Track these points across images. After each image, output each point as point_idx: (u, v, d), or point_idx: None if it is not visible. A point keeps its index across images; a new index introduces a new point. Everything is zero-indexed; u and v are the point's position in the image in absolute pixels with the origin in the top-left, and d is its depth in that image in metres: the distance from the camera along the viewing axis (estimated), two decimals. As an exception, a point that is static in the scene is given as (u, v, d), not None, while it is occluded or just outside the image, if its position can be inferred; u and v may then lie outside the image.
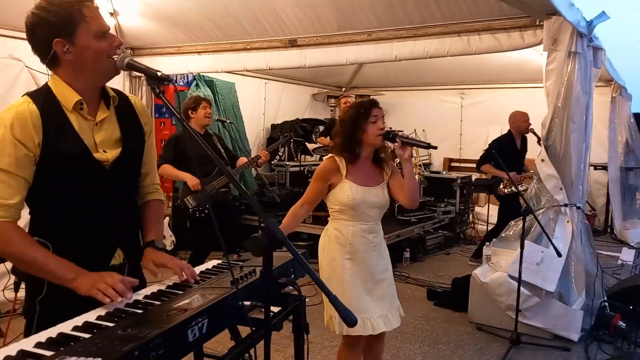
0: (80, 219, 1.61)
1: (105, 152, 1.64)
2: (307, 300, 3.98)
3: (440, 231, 6.95)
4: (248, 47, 5.25)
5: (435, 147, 2.64)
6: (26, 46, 1.64)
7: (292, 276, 1.81)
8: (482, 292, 4.12)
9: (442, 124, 9.08)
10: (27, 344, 1.18)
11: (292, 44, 5.03)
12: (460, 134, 9.15)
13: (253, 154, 7.60)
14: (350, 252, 2.54)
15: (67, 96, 1.58)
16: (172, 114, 6.39)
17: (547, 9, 3.60)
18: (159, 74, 1.54)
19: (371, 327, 2.49)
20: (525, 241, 3.73)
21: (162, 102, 1.57)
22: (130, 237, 1.77)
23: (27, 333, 1.60)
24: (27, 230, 1.59)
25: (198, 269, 1.82)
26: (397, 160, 2.86)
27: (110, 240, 1.69)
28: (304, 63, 5.08)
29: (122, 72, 1.73)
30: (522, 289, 3.70)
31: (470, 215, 7.61)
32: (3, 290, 4.21)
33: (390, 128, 2.70)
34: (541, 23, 3.85)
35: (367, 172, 2.61)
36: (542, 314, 3.84)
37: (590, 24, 3.83)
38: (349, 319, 1.27)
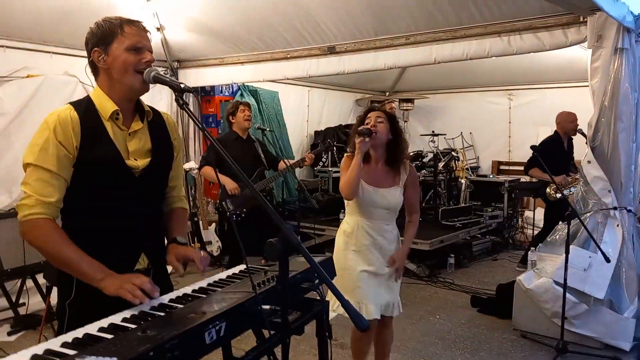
0: (108, 222, 1.71)
1: (136, 160, 1.75)
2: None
3: (487, 236, 6.77)
4: (288, 56, 5.35)
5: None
6: (79, 62, 1.80)
7: (316, 281, 1.83)
8: (526, 298, 3.99)
9: (489, 126, 8.86)
10: (55, 343, 1.26)
11: (331, 51, 5.08)
12: (509, 136, 8.88)
13: (297, 160, 7.71)
14: (355, 245, 2.77)
15: (105, 105, 1.71)
16: (215, 125, 6.58)
17: (590, 5, 3.47)
18: (182, 85, 1.61)
19: (366, 312, 2.68)
20: (572, 246, 3.59)
21: (186, 112, 1.64)
22: (155, 244, 1.86)
23: (59, 334, 1.69)
24: None
25: (225, 274, 1.88)
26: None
27: (136, 244, 1.78)
28: (343, 69, 5.12)
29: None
30: (568, 295, 3.56)
31: (519, 220, 7.37)
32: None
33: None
34: (585, 20, 3.71)
35: (380, 173, 2.79)
36: (590, 321, 3.67)
37: (638, 18, 3.66)
38: (361, 324, 1.28)
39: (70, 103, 1.72)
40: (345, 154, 2.87)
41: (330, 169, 7.50)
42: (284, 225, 1.39)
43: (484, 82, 8.56)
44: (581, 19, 3.77)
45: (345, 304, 1.31)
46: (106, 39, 1.69)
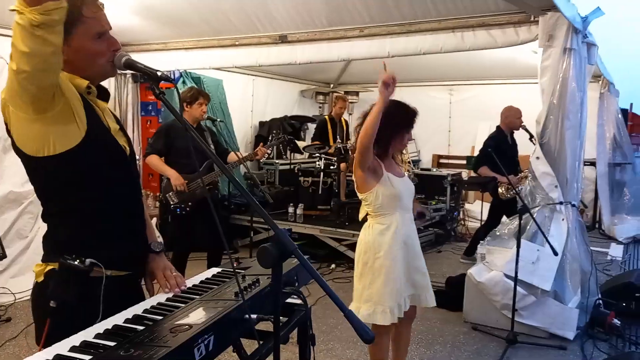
0: (112, 209, 1.57)
1: (120, 138, 1.62)
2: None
3: (431, 229, 6.92)
4: (237, 43, 5.15)
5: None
6: (6, 42, 1.55)
7: (297, 284, 1.74)
8: (477, 291, 4.09)
9: (430, 121, 9.00)
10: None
11: (283, 40, 4.94)
12: (449, 131, 9.14)
13: (242, 151, 7.51)
14: (402, 242, 2.68)
15: (76, 82, 1.51)
16: (155, 112, 6.27)
17: (543, 4, 3.57)
18: (158, 73, 1.46)
19: (396, 316, 2.63)
20: (521, 240, 3.70)
21: (163, 102, 1.49)
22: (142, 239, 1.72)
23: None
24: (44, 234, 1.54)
25: (198, 278, 1.74)
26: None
27: (136, 235, 1.66)
28: (295, 59, 5.00)
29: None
30: (518, 288, 3.67)
31: (461, 213, 7.59)
32: None
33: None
34: (536, 19, 3.82)
35: (394, 165, 2.81)
36: (538, 313, 3.81)
37: (585, 20, 3.81)
38: (366, 335, 1.20)
39: None
40: None
41: (276, 161, 7.36)
42: (279, 229, 1.28)
43: (426, 77, 8.72)
44: (532, 18, 3.88)
45: (348, 313, 1.22)
46: (66, 26, 1.36)
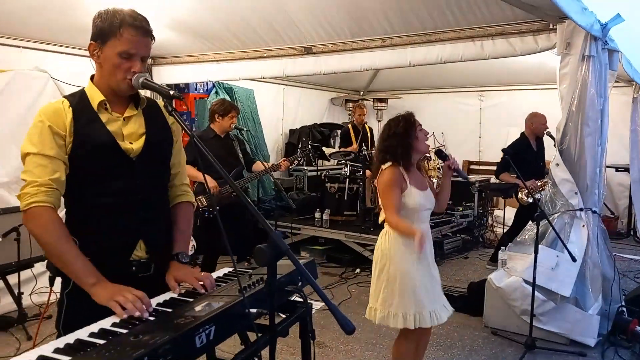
0: (105, 207, 1.72)
1: (131, 143, 1.76)
2: (321, 305, 4.05)
3: (458, 235, 6.93)
4: (265, 55, 5.36)
5: (471, 183, 2.91)
6: (50, 57, 1.79)
7: (300, 284, 1.88)
8: (497, 296, 4.13)
9: (461, 127, 9.07)
10: (47, 349, 1.27)
11: (308, 51, 5.12)
12: (480, 137, 9.11)
13: (272, 160, 7.73)
14: (417, 253, 2.73)
15: (93, 96, 1.74)
16: (189, 123, 6.54)
17: (560, 13, 3.60)
18: (171, 92, 1.63)
19: (437, 318, 2.79)
20: (540, 246, 3.73)
21: (174, 118, 1.67)
22: (154, 232, 1.83)
23: (57, 324, 1.75)
24: None
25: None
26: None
27: (133, 231, 1.77)
28: (320, 70, 5.16)
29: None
30: (537, 293, 3.69)
31: (489, 219, 7.56)
32: (30, 294, 4.37)
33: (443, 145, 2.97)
34: (555, 27, 3.85)
35: (418, 178, 2.88)
36: (557, 318, 3.82)
37: (605, 27, 3.81)
38: (348, 327, 1.33)
39: (64, 96, 1.78)
40: (388, 164, 2.83)
41: (305, 168, 7.54)
42: (272, 231, 1.43)
43: (456, 84, 8.75)
44: (551, 26, 3.91)
45: (332, 307, 1.35)
46: (103, 36, 1.69)
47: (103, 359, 1.17)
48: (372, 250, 5.78)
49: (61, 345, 1.29)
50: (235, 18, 4.83)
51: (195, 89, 6.69)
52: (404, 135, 2.82)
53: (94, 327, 1.40)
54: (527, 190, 4.98)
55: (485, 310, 4.26)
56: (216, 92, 6.91)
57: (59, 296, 1.76)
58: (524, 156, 5.07)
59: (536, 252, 3.62)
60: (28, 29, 4.73)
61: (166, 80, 5.91)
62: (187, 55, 5.79)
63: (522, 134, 5.43)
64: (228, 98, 6.95)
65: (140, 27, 1.71)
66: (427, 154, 7.52)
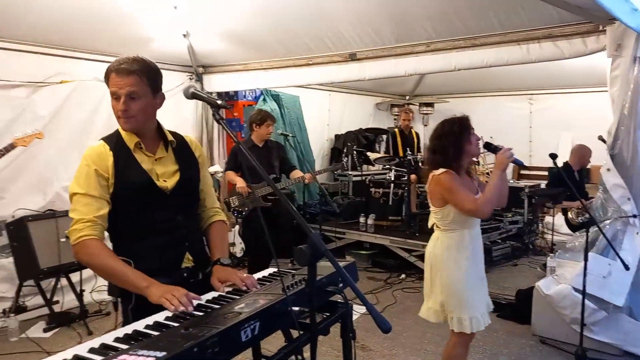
0: (152, 233, 1.92)
1: (165, 181, 1.96)
2: (365, 309, 4.09)
3: (507, 242, 6.78)
4: (310, 62, 5.47)
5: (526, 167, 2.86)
6: None
7: (340, 285, 1.94)
8: (545, 304, 4.04)
9: (510, 131, 8.83)
10: (108, 338, 1.40)
11: (352, 57, 5.19)
12: (530, 141, 8.89)
13: (317, 164, 7.85)
14: (469, 257, 2.79)
15: (129, 138, 1.94)
16: (239, 129, 6.74)
17: (608, 14, 3.51)
18: (219, 102, 1.75)
19: (483, 323, 2.81)
20: (591, 253, 3.63)
21: (223, 126, 1.79)
22: (196, 245, 2.05)
23: None
24: None
25: (256, 276, 2.01)
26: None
27: (180, 246, 1.98)
28: (364, 76, 5.22)
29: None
30: (587, 302, 3.59)
31: (540, 225, 7.36)
32: (91, 292, 4.63)
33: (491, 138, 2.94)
34: (604, 29, 3.76)
35: (468, 182, 2.87)
36: (610, 328, 3.71)
37: (659, 28, 3.68)
38: (384, 326, 1.38)
39: (102, 139, 1.96)
40: (441, 170, 2.79)
41: (350, 173, 7.59)
42: (312, 233, 1.50)
43: (505, 87, 8.59)
44: (600, 28, 3.81)
45: (368, 306, 1.41)
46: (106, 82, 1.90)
47: (157, 348, 1.27)
48: (417, 256, 5.79)
49: (120, 335, 1.41)
50: (282, 27, 4.97)
51: (244, 96, 6.89)
52: (457, 136, 2.80)
53: (149, 320, 1.52)
54: (576, 209, 4.91)
55: (533, 318, 4.17)
56: (264, 99, 7.08)
57: (121, 317, 1.95)
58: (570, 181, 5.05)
59: (586, 259, 3.53)
60: (88, 42, 5.05)
61: (216, 88, 6.13)
62: (237, 64, 5.98)
63: (566, 162, 5.47)
64: (275, 105, 7.12)
65: (120, 69, 1.84)
66: (475, 159, 7.46)
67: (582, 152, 5.50)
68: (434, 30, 4.52)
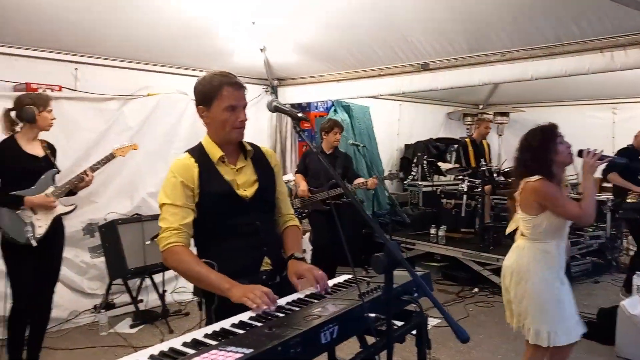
0: (233, 238, 2.05)
1: (245, 190, 2.09)
2: (438, 321, 4.06)
3: (588, 257, 6.45)
4: (382, 73, 5.51)
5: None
6: (190, 81, 2.12)
7: (415, 294, 1.97)
8: (631, 324, 3.82)
9: (590, 142, 8.18)
10: (198, 334, 1.51)
11: (424, 67, 5.18)
12: (613, 152, 8.38)
13: (387, 174, 7.84)
14: (556, 269, 2.74)
15: (213, 152, 2.07)
16: (310, 139, 6.89)
17: None
18: (299, 114, 1.86)
19: (571, 336, 2.71)
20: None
21: (302, 138, 1.90)
22: (273, 249, 2.15)
23: None
24: None
25: (332, 282, 2.08)
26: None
27: (258, 251, 2.09)
28: (436, 86, 5.20)
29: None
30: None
31: (624, 241, 6.94)
32: (172, 292, 4.91)
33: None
34: (699, 33, 3.54)
35: (562, 191, 2.80)
36: None
37: None
38: (462, 335, 1.40)
39: (187, 151, 2.10)
40: (536, 177, 2.73)
41: (420, 183, 7.53)
42: (388, 241, 1.55)
43: (586, 96, 8.19)
44: (695, 33, 3.60)
45: (446, 315, 1.43)
46: (207, 99, 2.00)
47: (244, 345, 1.36)
48: (492, 270, 5.64)
49: (209, 332, 1.53)
50: (354, 39, 5.06)
51: (316, 108, 7.04)
52: (538, 149, 2.76)
53: (235, 319, 1.63)
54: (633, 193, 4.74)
55: (617, 338, 3.96)
56: (335, 110, 7.20)
57: (204, 316, 2.07)
58: (633, 167, 4.82)
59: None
60: (172, 57, 5.38)
61: (289, 99, 6.32)
62: (310, 76, 6.13)
63: (632, 145, 5.41)
64: (346, 115, 7.22)
65: (236, 82, 2.01)
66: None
67: None
68: (509, 39, 4.42)
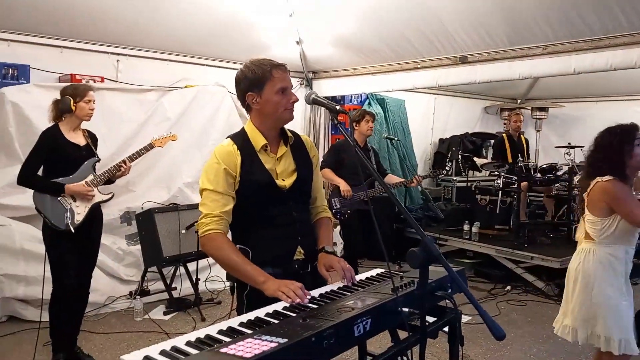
0: (269, 226, 2.06)
1: (283, 180, 2.09)
2: (469, 318, 4.01)
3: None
4: (419, 66, 5.45)
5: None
6: (227, 74, 2.13)
7: (449, 290, 1.95)
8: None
9: (635, 139, 8.14)
10: (233, 322, 1.54)
11: (463, 60, 5.09)
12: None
13: (420, 168, 7.77)
14: (623, 275, 2.61)
15: (256, 139, 2.07)
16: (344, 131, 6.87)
17: None
18: (337, 107, 1.85)
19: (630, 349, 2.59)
20: None
21: (340, 129, 1.90)
22: (307, 239, 2.15)
23: None
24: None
25: (364, 275, 2.08)
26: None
27: (292, 240, 2.10)
28: (474, 79, 5.10)
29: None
30: None
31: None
32: (205, 281, 5.00)
33: None
34: None
35: (632, 195, 2.66)
36: None
37: None
38: (498, 332, 1.38)
39: (230, 137, 2.10)
40: (607, 177, 2.60)
41: (454, 178, 7.43)
42: (425, 236, 1.54)
43: (630, 90, 7.90)
44: None
45: (481, 312, 1.42)
46: (259, 84, 1.99)
47: (279, 335, 1.38)
48: (525, 268, 5.53)
49: (244, 320, 1.55)
50: (391, 31, 5.01)
51: (350, 100, 7.02)
52: (612, 148, 2.62)
53: (269, 309, 1.65)
54: None
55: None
56: (369, 103, 7.16)
57: (236, 300, 2.10)
58: None
59: None
60: (210, 50, 5.45)
61: (324, 92, 6.31)
62: (345, 69, 6.12)
63: None
64: (380, 109, 7.17)
65: (283, 65, 2.03)
66: None
67: None
68: (552, 31, 4.30)
